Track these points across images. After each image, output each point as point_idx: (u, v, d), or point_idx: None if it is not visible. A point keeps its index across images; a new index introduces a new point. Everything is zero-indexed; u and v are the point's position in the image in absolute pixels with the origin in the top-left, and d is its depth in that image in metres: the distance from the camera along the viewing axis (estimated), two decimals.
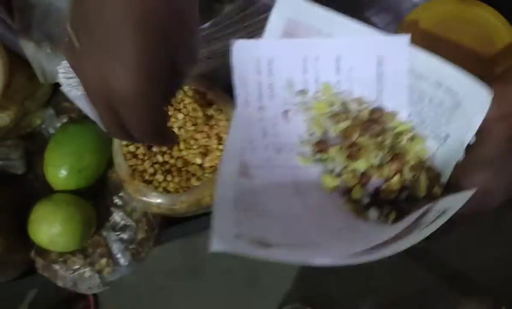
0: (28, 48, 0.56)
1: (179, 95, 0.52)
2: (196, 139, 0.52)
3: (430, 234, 0.33)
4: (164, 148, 0.52)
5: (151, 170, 0.51)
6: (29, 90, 0.59)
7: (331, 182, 0.40)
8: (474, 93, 0.36)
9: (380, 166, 0.39)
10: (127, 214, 0.59)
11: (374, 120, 0.40)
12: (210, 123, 0.52)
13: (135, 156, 0.52)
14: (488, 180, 0.36)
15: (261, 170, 0.40)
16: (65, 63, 0.50)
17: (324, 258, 0.32)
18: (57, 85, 0.61)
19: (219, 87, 0.52)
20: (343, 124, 0.40)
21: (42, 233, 0.55)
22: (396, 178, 0.39)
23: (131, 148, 0.52)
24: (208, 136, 0.52)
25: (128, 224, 0.59)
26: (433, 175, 0.39)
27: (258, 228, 0.35)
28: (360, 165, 0.40)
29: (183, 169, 0.52)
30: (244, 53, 0.39)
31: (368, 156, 0.39)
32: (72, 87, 0.49)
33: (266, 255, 0.32)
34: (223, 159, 0.38)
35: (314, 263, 0.32)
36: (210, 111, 0.52)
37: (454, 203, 0.33)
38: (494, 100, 0.35)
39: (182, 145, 0.52)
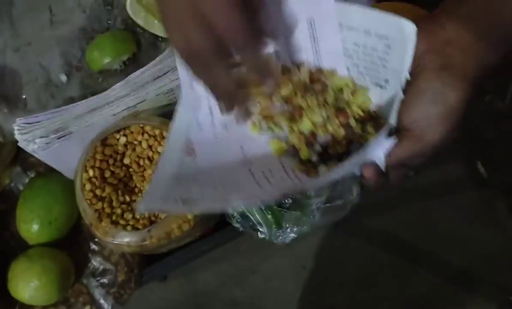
0: None
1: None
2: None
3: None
4: (131, 185, 0.53)
5: (118, 211, 0.52)
6: None
7: (278, 146, 0.41)
8: (401, 32, 0.37)
9: (325, 123, 0.40)
10: (105, 258, 0.59)
11: (314, 80, 0.42)
12: None
13: (101, 199, 0.52)
14: (424, 111, 0.37)
15: (207, 147, 0.41)
16: (20, 120, 0.51)
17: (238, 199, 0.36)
18: None
19: None
20: (285, 91, 0.41)
21: (21, 289, 0.55)
22: (341, 132, 0.40)
23: (97, 192, 0.52)
24: None
25: (107, 268, 0.59)
26: (380, 122, 0.40)
27: (190, 192, 0.37)
28: (304, 125, 0.41)
29: None
30: None
31: (311, 116, 0.41)
32: (28, 142, 0.50)
33: (189, 210, 0.37)
34: (169, 137, 0.40)
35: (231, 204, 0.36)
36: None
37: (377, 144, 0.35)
38: (422, 35, 0.37)
39: (145, 181, 0.53)
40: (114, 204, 0.52)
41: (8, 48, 0.59)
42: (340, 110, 0.41)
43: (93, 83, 0.57)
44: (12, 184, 0.62)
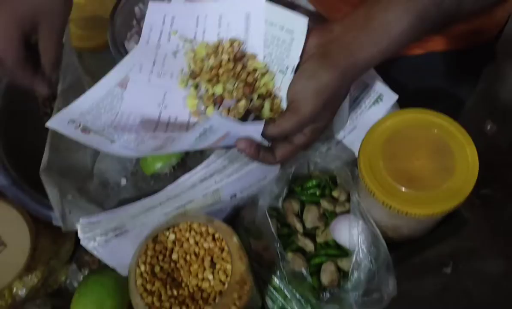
0: (53, 195, 0.63)
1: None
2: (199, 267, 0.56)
3: None
4: (179, 280, 0.57)
5: (167, 304, 0.55)
6: (53, 250, 0.65)
7: (192, 102, 0.54)
8: (299, 26, 0.51)
9: (233, 91, 0.53)
10: None
11: (237, 59, 0.56)
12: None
13: (151, 293, 0.56)
14: (301, 86, 0.48)
15: (138, 85, 0.54)
16: (83, 220, 0.57)
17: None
18: (77, 241, 0.67)
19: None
20: (212, 61, 0.56)
21: None
22: (243, 101, 0.52)
23: (148, 286, 0.56)
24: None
25: None
26: (277, 102, 0.53)
27: (95, 122, 0.50)
28: (217, 89, 0.54)
29: (196, 297, 0.55)
30: (156, 8, 0.58)
31: (224, 83, 0.54)
32: (89, 240, 0.55)
33: (83, 139, 0.47)
34: (113, 69, 0.55)
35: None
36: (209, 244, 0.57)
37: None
38: (315, 34, 0.50)
39: (191, 275, 0.56)
40: (163, 297, 0.55)
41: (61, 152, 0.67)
42: (249, 84, 0.54)
43: (146, 186, 0.63)
44: (68, 281, 0.67)
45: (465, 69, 0.78)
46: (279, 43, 0.53)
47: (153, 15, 0.58)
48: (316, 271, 0.61)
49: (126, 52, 0.66)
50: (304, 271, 0.60)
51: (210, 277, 0.56)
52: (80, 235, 0.56)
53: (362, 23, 0.48)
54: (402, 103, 0.66)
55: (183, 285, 0.57)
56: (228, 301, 0.53)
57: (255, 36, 0.56)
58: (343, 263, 0.61)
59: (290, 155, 0.52)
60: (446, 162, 0.53)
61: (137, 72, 0.55)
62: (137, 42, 0.66)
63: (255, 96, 0.53)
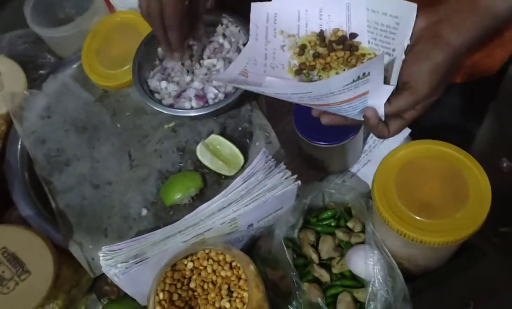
0: (74, 251, 0.65)
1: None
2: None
3: None
4: (195, 307, 0.57)
5: None
6: (75, 280, 0.67)
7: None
8: (406, 11, 0.55)
9: None
10: None
11: (345, 46, 0.62)
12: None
13: None
14: (417, 66, 0.51)
15: (255, 75, 0.62)
16: (105, 248, 0.58)
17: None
18: None
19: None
20: (321, 49, 0.63)
21: None
22: None
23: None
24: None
25: None
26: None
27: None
28: (331, 74, 0.61)
29: None
30: (258, 8, 0.64)
31: (337, 69, 0.61)
32: (111, 267, 0.57)
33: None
34: (232, 64, 0.63)
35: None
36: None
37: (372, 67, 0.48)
38: (422, 16, 0.53)
39: (208, 303, 0.57)
40: None
41: (87, 187, 0.70)
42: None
43: (166, 216, 0.65)
44: None
45: (470, 103, 0.80)
46: (383, 28, 0.60)
47: (256, 15, 0.64)
48: (332, 302, 0.62)
49: (150, 90, 0.70)
50: (320, 301, 0.61)
51: (227, 305, 0.56)
52: (101, 262, 0.57)
53: (469, 4, 0.51)
54: (414, 137, 0.68)
55: None
56: None
57: (357, 24, 0.62)
58: (359, 294, 0.61)
59: (402, 128, 0.56)
60: (459, 191, 0.54)
61: (253, 65, 0.63)
62: (159, 80, 0.69)
63: None
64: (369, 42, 0.62)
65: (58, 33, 0.81)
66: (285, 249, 0.62)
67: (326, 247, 0.64)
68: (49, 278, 0.62)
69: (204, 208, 0.59)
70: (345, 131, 0.67)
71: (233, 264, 0.58)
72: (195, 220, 0.59)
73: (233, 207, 0.59)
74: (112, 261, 0.58)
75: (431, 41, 0.52)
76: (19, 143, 0.76)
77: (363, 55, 0.62)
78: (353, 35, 0.63)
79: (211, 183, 0.66)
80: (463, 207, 0.53)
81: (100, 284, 0.70)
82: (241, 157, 0.66)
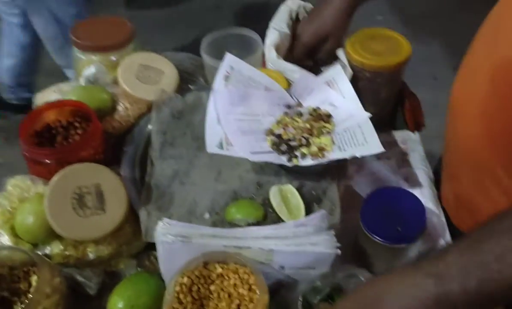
0: (142, 215, 0.77)
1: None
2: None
3: None
4: (205, 307, 0.64)
5: None
6: (129, 239, 0.78)
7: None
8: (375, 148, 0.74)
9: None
10: None
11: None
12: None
13: (180, 303, 0.63)
14: None
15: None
16: (166, 220, 0.69)
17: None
18: (147, 247, 0.79)
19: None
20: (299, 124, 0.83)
21: None
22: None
23: (181, 296, 0.64)
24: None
25: None
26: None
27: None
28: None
29: None
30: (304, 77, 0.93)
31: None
32: (164, 235, 0.66)
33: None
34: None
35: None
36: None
37: None
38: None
39: None
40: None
41: (176, 180, 0.82)
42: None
43: (221, 227, 0.74)
44: (124, 270, 0.78)
45: None
46: (353, 137, 0.78)
47: (300, 80, 0.89)
48: None
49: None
50: None
51: None
52: (158, 229, 0.68)
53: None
54: None
55: None
56: None
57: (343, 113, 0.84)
58: None
59: None
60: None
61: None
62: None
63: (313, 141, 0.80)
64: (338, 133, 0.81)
65: (217, 64, 0.99)
66: (300, 305, 0.65)
67: None
68: (114, 224, 0.74)
69: (253, 230, 0.67)
70: (403, 238, 0.71)
71: (253, 287, 0.64)
72: (241, 234, 0.67)
73: (276, 241, 0.66)
74: (165, 231, 0.67)
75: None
76: (147, 126, 0.93)
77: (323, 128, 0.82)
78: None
79: (269, 221, 0.74)
80: None
81: (143, 257, 0.80)
82: (303, 213, 0.73)
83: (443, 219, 0.86)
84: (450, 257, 0.50)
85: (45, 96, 0.98)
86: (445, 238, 0.83)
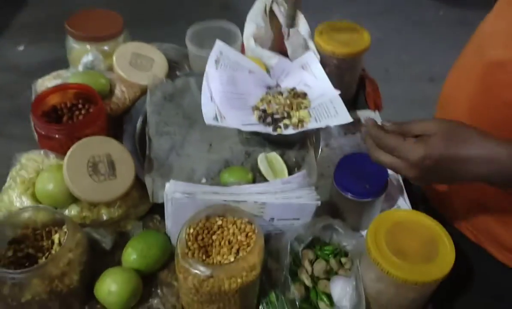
0: (148, 181, 0.89)
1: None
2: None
3: None
4: (209, 252, 0.76)
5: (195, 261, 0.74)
6: (136, 203, 0.89)
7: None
8: (344, 118, 0.90)
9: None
10: (161, 302, 0.79)
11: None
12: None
13: (188, 248, 0.76)
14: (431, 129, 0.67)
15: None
16: (173, 180, 0.81)
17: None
18: (151, 210, 0.91)
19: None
20: (279, 101, 0.97)
21: (103, 289, 0.76)
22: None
23: (189, 243, 0.76)
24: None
25: (159, 307, 0.78)
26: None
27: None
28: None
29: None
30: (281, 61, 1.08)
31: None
32: (174, 192, 0.78)
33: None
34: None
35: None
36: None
37: None
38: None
39: (219, 255, 0.76)
40: (195, 256, 0.75)
41: (173, 153, 0.94)
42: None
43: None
44: (132, 230, 0.89)
45: None
46: (326, 110, 0.93)
47: (278, 64, 1.01)
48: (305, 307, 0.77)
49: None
50: (298, 300, 0.76)
51: (232, 259, 0.75)
52: (167, 187, 0.79)
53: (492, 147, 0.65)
54: None
55: (210, 257, 0.76)
56: (239, 269, 0.71)
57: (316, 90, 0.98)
58: None
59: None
60: (430, 251, 0.71)
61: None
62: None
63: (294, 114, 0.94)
64: (313, 108, 0.95)
65: (200, 53, 1.12)
66: (288, 251, 0.79)
67: (319, 267, 0.80)
68: (125, 188, 0.85)
69: (248, 187, 0.81)
70: (369, 193, 0.86)
71: (249, 234, 0.77)
72: (238, 190, 0.80)
73: (267, 195, 0.79)
74: (173, 189, 0.79)
75: (442, 138, 0.66)
76: (144, 108, 1.05)
77: (302, 104, 0.96)
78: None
79: (258, 182, 0.87)
80: (429, 262, 0.69)
81: (148, 219, 0.91)
82: (286, 175, 0.87)
83: (401, 182, 1.03)
84: None
85: (46, 82, 1.07)
86: (404, 196, 0.99)
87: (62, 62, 1.19)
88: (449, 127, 0.67)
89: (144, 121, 1.02)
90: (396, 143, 0.68)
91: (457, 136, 0.66)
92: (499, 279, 0.91)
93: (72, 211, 0.84)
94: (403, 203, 0.97)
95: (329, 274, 0.80)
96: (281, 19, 1.18)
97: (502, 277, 0.91)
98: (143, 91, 1.07)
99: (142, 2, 3.52)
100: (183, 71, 1.18)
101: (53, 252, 0.79)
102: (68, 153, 0.83)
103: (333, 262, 0.81)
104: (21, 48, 2.96)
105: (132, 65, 1.09)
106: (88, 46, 1.12)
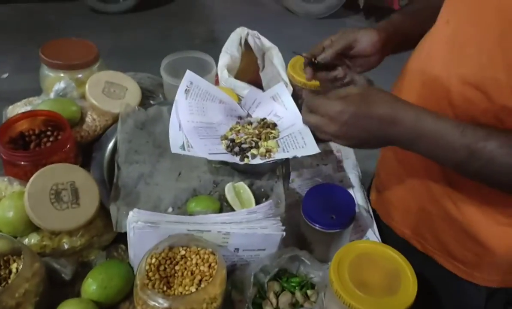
0: (113, 209, 0.87)
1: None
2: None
3: None
4: (171, 283, 0.74)
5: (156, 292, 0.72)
6: (101, 232, 0.87)
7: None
8: (312, 149, 0.88)
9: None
10: None
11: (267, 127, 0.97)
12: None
13: (149, 279, 0.74)
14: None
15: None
16: (135, 210, 0.79)
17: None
18: (116, 239, 0.89)
19: None
20: (248, 131, 0.96)
21: None
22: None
23: (150, 274, 0.74)
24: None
25: None
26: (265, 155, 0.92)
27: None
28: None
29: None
30: (252, 92, 1.10)
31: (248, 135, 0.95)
32: (135, 222, 0.77)
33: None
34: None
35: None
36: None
37: None
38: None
39: (181, 286, 0.74)
40: (155, 287, 0.73)
41: (142, 181, 0.93)
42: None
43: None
44: (94, 260, 0.87)
45: None
46: (295, 141, 0.92)
47: (249, 94, 1.03)
48: None
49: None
50: None
51: (194, 290, 0.73)
52: (130, 216, 0.78)
53: (413, 115, 0.70)
54: None
55: (172, 289, 0.74)
56: (199, 300, 0.69)
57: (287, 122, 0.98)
58: None
59: (310, 122, 0.79)
60: (392, 284, 0.70)
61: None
62: None
63: (262, 144, 0.93)
64: (282, 137, 0.95)
65: (175, 82, 1.12)
66: (251, 282, 0.78)
67: (285, 299, 0.79)
68: (88, 217, 0.83)
69: (212, 216, 0.80)
70: (337, 224, 0.85)
71: (212, 264, 0.76)
72: (203, 220, 0.79)
73: (232, 225, 0.78)
74: (136, 218, 0.78)
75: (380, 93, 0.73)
76: (114, 136, 1.04)
77: (271, 134, 0.96)
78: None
79: (224, 212, 0.86)
80: (392, 295, 0.68)
81: (111, 250, 0.89)
82: (253, 205, 0.86)
83: (371, 212, 1.02)
84: (488, 147, 0.65)
85: (16, 109, 1.06)
86: (373, 228, 0.99)
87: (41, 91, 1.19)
88: (367, 89, 0.76)
89: (114, 149, 1.01)
90: (320, 101, 0.76)
91: (371, 96, 0.73)
92: (449, 288, 0.92)
93: (32, 240, 0.82)
94: (372, 235, 0.97)
95: (295, 306, 0.79)
96: (256, 51, 1.19)
97: (450, 286, 0.92)
98: (115, 119, 1.06)
99: (130, 36, 3.57)
100: (157, 100, 1.18)
101: (9, 281, 0.76)
102: (30, 180, 0.81)
103: (298, 294, 0.79)
104: (4, 75, 2.97)
105: (105, 93, 1.08)
106: (62, 74, 1.12)
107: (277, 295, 0.80)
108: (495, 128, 0.71)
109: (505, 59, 0.68)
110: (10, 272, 0.78)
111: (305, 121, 0.81)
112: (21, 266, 0.74)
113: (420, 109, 0.71)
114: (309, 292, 0.80)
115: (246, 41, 1.22)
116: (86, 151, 1.01)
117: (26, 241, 0.82)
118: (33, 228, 0.82)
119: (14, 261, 0.79)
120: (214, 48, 1.28)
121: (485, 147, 0.66)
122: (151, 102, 1.16)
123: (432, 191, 0.87)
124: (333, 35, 0.92)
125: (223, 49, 1.20)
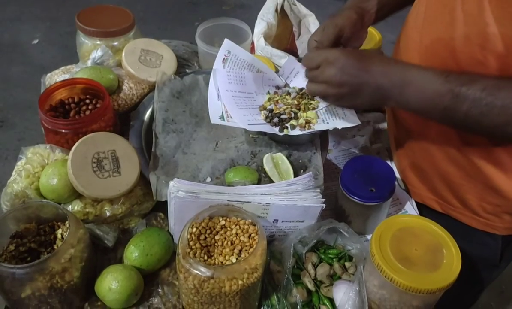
0: (152, 178, 0.88)
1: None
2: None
3: None
4: (211, 252, 0.75)
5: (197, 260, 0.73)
6: (140, 200, 0.88)
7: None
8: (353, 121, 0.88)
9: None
10: (162, 302, 0.78)
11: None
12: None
13: (190, 248, 0.75)
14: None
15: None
16: (177, 179, 0.80)
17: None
18: (154, 208, 0.90)
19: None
20: (287, 101, 0.95)
21: (103, 286, 0.76)
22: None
23: (191, 243, 0.75)
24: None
25: (160, 307, 0.78)
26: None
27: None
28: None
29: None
30: (290, 60, 1.02)
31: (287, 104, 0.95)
32: (177, 191, 0.77)
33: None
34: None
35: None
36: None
37: None
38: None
39: (221, 255, 0.75)
40: (197, 255, 0.74)
41: (179, 151, 0.93)
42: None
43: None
44: (135, 228, 0.88)
45: None
46: (335, 112, 0.91)
47: (287, 64, 0.99)
48: None
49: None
50: (299, 304, 0.75)
51: (234, 260, 0.74)
52: (171, 185, 0.79)
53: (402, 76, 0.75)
54: None
55: (212, 257, 0.75)
56: (240, 270, 0.70)
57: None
58: None
59: (313, 91, 0.86)
60: (435, 258, 0.69)
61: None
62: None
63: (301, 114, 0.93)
64: (322, 108, 0.93)
65: (210, 50, 1.11)
66: (291, 253, 0.78)
67: (323, 271, 0.79)
68: (128, 185, 0.84)
69: (252, 187, 0.80)
70: (376, 197, 0.84)
71: (252, 235, 0.76)
72: (242, 191, 0.79)
73: (272, 197, 0.78)
74: (176, 188, 0.79)
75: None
76: (151, 105, 1.04)
77: (310, 104, 0.94)
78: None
79: (263, 183, 0.86)
80: (434, 270, 0.67)
81: (150, 217, 0.91)
82: (292, 176, 0.86)
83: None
84: (472, 90, 0.69)
85: (54, 76, 1.07)
86: (411, 202, 0.98)
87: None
88: (357, 51, 0.84)
89: (151, 118, 1.01)
90: (319, 52, 0.83)
91: (365, 52, 0.82)
92: (466, 240, 0.92)
93: (75, 207, 0.84)
94: (411, 208, 0.95)
95: (332, 278, 0.79)
96: (292, 18, 1.16)
97: (467, 238, 0.93)
98: (151, 88, 1.06)
99: (158, 2, 3.54)
100: (192, 68, 1.17)
101: (55, 247, 0.79)
102: (73, 148, 0.82)
103: (336, 266, 0.79)
104: (35, 41, 2.99)
105: (141, 61, 1.08)
106: (98, 42, 1.12)
107: (315, 266, 0.80)
108: (481, 74, 0.72)
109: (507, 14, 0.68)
110: (55, 237, 0.80)
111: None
112: (67, 233, 0.76)
113: (408, 63, 0.78)
114: (347, 264, 0.80)
115: (282, 7, 1.19)
116: (123, 120, 1.02)
117: (69, 207, 0.83)
118: (76, 195, 0.84)
119: (59, 227, 0.81)
120: (243, 14, 1.26)
121: (468, 89, 0.69)
122: (187, 70, 1.15)
123: (450, 155, 0.88)
124: (314, 34, 0.90)
125: (259, 16, 1.18)
